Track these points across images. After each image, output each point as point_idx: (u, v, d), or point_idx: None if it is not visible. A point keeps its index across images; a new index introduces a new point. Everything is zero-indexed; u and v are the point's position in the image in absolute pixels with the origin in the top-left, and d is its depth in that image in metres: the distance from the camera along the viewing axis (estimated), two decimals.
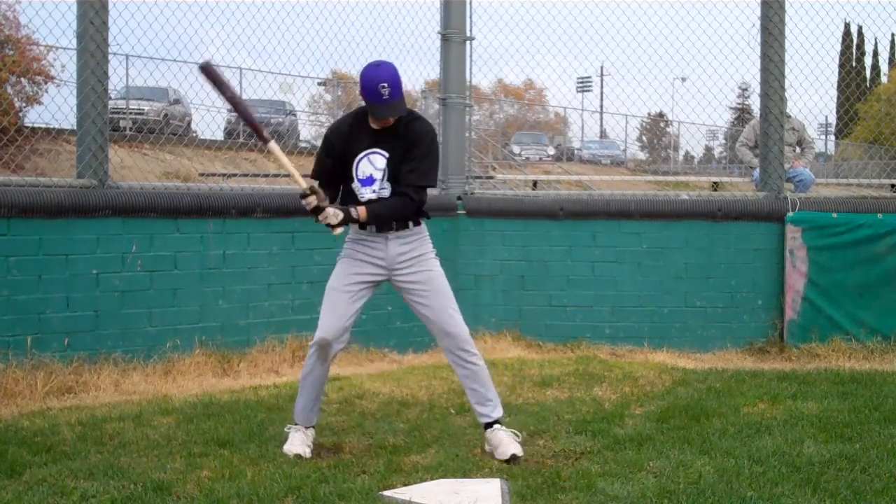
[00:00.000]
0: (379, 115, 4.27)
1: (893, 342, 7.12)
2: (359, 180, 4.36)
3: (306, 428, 4.48)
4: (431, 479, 4.02)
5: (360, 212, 4.28)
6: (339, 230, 4.26)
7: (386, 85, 4.18)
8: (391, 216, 4.36)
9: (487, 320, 7.45)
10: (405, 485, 3.93)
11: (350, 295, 4.42)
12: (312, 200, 4.18)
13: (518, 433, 4.47)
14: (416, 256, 4.44)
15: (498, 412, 4.48)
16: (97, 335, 6.00)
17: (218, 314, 6.51)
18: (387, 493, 3.81)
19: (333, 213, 4.20)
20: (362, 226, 4.40)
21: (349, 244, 4.49)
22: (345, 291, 4.42)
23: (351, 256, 4.47)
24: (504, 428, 4.45)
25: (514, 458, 4.27)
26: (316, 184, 4.28)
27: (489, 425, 4.46)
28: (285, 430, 4.55)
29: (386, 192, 4.35)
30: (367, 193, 4.35)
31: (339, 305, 4.40)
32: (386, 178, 4.34)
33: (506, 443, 4.36)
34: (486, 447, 4.45)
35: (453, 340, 4.41)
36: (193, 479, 3.95)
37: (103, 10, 6.17)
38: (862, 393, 5.64)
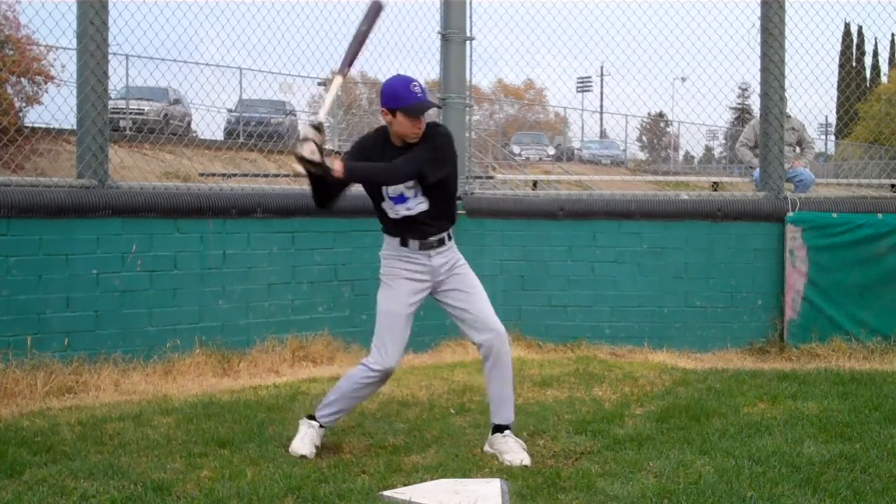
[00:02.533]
0: (417, 112, 4.22)
1: (893, 342, 7.12)
2: (391, 199, 4.34)
3: (320, 427, 4.45)
4: (431, 479, 4.02)
5: (336, 167, 4.16)
6: (300, 168, 4.14)
7: (416, 83, 4.24)
8: (366, 174, 4.29)
9: None
10: (405, 485, 3.93)
11: (409, 317, 4.43)
12: (315, 137, 4.09)
13: (525, 445, 4.47)
14: (453, 265, 4.47)
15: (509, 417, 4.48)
16: (97, 335, 6.00)
17: (218, 314, 6.51)
18: (387, 493, 3.81)
19: (311, 152, 4.09)
20: (338, 185, 4.29)
21: (391, 262, 4.42)
22: (405, 315, 4.39)
23: (398, 276, 4.40)
24: (513, 436, 4.45)
25: (524, 467, 4.23)
26: (323, 135, 4.15)
27: (500, 429, 4.45)
28: (300, 422, 4.50)
29: (423, 206, 4.33)
30: (401, 211, 4.35)
31: (400, 330, 4.38)
32: (420, 192, 4.32)
33: (516, 450, 4.35)
34: (487, 448, 4.46)
35: (497, 335, 4.41)
36: (193, 479, 3.95)
37: (103, 10, 6.17)
38: (862, 393, 5.64)
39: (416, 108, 4.21)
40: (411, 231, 4.38)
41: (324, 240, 7.01)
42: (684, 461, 4.21)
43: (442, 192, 4.37)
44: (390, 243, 4.44)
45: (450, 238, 4.48)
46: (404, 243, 4.39)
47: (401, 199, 4.33)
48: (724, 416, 5.10)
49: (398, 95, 4.21)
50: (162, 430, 4.79)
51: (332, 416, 4.49)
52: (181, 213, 6.37)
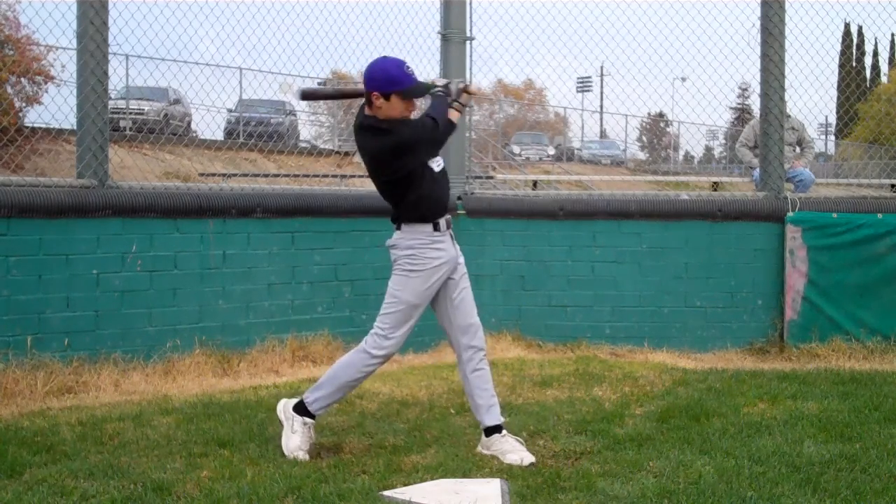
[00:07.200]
0: (415, 95, 4.19)
1: (893, 342, 7.12)
2: None
3: (313, 419, 4.41)
4: (431, 479, 4.02)
5: (455, 112, 4.35)
6: (468, 91, 4.42)
7: (408, 65, 4.15)
8: (447, 127, 4.31)
9: (487, 320, 7.35)
10: (405, 485, 3.93)
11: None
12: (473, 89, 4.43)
13: (521, 440, 4.46)
14: (458, 254, 4.51)
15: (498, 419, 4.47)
16: (97, 335, 6.00)
17: (218, 314, 6.51)
18: (387, 493, 3.81)
19: (477, 89, 4.53)
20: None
21: (423, 252, 4.28)
22: (423, 307, 4.41)
23: (428, 266, 4.30)
24: (510, 435, 4.44)
25: (532, 464, 4.21)
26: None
27: (498, 429, 4.43)
28: (290, 419, 4.41)
29: (443, 163, 4.37)
30: (433, 166, 4.35)
31: (414, 322, 4.41)
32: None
33: (519, 449, 4.34)
34: (483, 450, 4.42)
35: (477, 333, 4.44)
36: (193, 479, 3.95)
37: (103, 10, 6.17)
38: (862, 393, 5.64)
39: (415, 90, 4.17)
40: (442, 204, 4.34)
41: (324, 240, 7.01)
42: (684, 461, 4.21)
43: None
44: (420, 231, 4.27)
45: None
46: (436, 227, 4.29)
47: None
48: (724, 416, 5.10)
49: (393, 78, 4.08)
50: (162, 430, 4.79)
51: (325, 402, 4.44)
52: (181, 213, 6.38)
